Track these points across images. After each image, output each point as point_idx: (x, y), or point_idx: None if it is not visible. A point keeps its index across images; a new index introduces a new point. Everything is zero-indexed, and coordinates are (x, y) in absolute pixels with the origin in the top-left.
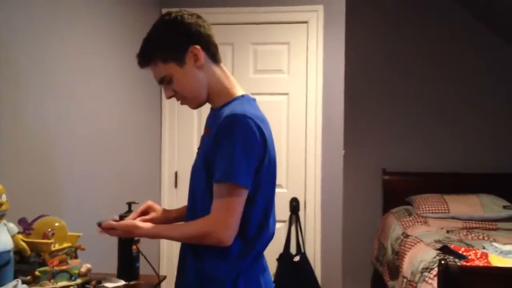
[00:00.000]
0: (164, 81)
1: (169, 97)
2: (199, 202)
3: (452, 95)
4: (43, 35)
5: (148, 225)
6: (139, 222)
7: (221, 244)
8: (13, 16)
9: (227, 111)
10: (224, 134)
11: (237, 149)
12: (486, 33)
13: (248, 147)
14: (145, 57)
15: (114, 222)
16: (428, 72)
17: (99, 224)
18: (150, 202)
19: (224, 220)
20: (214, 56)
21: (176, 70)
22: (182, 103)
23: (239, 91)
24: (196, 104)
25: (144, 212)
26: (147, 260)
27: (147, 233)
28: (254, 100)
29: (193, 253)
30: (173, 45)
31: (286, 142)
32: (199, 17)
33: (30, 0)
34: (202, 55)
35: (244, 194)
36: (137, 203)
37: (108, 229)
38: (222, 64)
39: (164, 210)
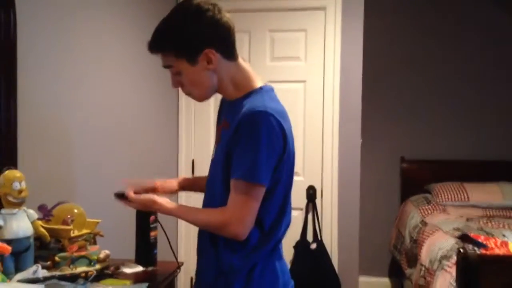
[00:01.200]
0: (172, 71)
1: (175, 87)
2: (217, 196)
3: (471, 82)
4: (61, 23)
5: (165, 201)
6: (157, 197)
7: (236, 238)
8: (32, 5)
9: (247, 105)
10: (246, 132)
11: (260, 150)
12: (504, 22)
13: (270, 147)
14: (157, 47)
15: (132, 195)
16: (447, 62)
17: (117, 195)
18: (158, 183)
19: (241, 216)
20: (231, 54)
21: (186, 67)
22: (187, 95)
23: (257, 82)
24: (201, 99)
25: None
26: (166, 236)
27: (164, 209)
28: (273, 89)
29: (210, 242)
30: (189, 44)
31: (303, 130)
32: (219, 11)
33: None
34: (216, 58)
35: (262, 191)
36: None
37: (126, 200)
38: (239, 59)
39: (185, 179)
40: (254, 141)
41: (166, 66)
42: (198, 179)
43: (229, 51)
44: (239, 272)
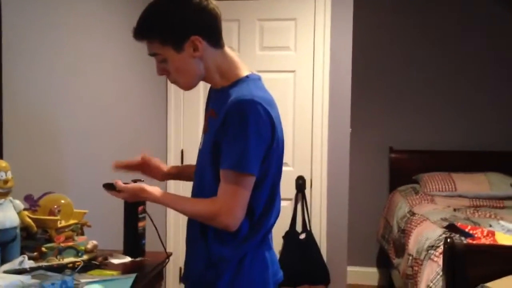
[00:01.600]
0: (157, 58)
1: (160, 75)
2: (207, 185)
3: (459, 73)
4: (49, 14)
5: (155, 189)
6: (146, 186)
7: (227, 229)
8: (20, 2)
9: (233, 94)
10: (234, 122)
11: (249, 139)
12: (494, 10)
13: (259, 136)
14: (143, 35)
15: (121, 184)
16: (435, 50)
17: (105, 185)
18: (143, 155)
19: (231, 206)
20: (217, 42)
21: (172, 54)
22: (172, 83)
23: (244, 71)
24: (187, 88)
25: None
26: (154, 226)
27: (153, 197)
28: (260, 79)
29: (200, 232)
30: (175, 32)
31: (293, 120)
32: None
33: None
34: (202, 46)
35: (252, 181)
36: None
37: (115, 191)
38: (226, 48)
39: (174, 167)
40: (243, 130)
41: (151, 54)
42: (186, 167)
43: (215, 39)
44: (229, 262)
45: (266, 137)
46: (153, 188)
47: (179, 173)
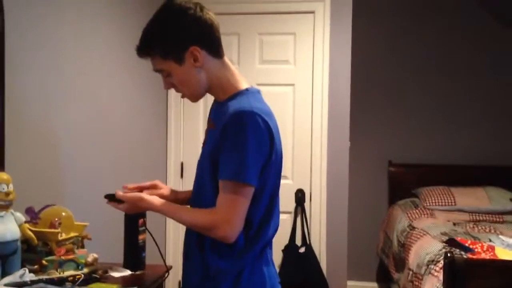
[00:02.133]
0: (163, 74)
1: (166, 88)
2: (205, 197)
3: (458, 87)
4: (49, 25)
5: (154, 198)
6: (145, 195)
7: (224, 240)
8: (20, 8)
9: (233, 106)
10: (233, 132)
11: (248, 149)
12: (492, 27)
13: (258, 147)
14: (145, 51)
15: (120, 193)
16: (434, 65)
17: (107, 196)
18: (157, 181)
19: (229, 217)
20: (216, 51)
21: (174, 67)
22: (182, 96)
23: (243, 84)
24: (194, 99)
25: (149, 189)
26: (154, 240)
27: (152, 207)
28: (259, 92)
29: (197, 245)
30: (173, 44)
31: (292, 133)
32: (202, 9)
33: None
34: (202, 55)
35: (251, 192)
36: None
37: (115, 202)
38: (225, 58)
39: (173, 191)
40: (241, 141)
41: (156, 70)
42: (184, 194)
43: (214, 48)
44: (227, 275)
45: (265, 148)
46: (152, 197)
47: (177, 200)
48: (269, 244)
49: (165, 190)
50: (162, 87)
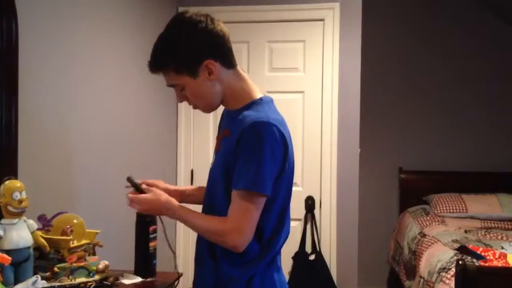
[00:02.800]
0: (176, 88)
1: (180, 102)
2: (217, 204)
3: (469, 94)
4: (62, 30)
5: (173, 200)
6: (166, 195)
7: (234, 249)
8: (33, 12)
9: (249, 117)
10: (249, 143)
11: (265, 160)
12: (502, 32)
13: (273, 157)
14: (157, 67)
15: (145, 186)
16: (444, 71)
17: (130, 179)
18: (161, 181)
19: (241, 227)
20: (229, 62)
21: (189, 81)
22: (194, 108)
23: (257, 93)
24: (209, 111)
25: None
26: (168, 243)
27: (170, 205)
28: (272, 101)
29: (209, 251)
30: (187, 59)
31: (302, 140)
32: (212, 21)
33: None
34: (216, 68)
35: (263, 202)
36: None
37: (132, 202)
38: (238, 67)
39: (176, 190)
40: (258, 151)
41: (170, 85)
42: (195, 190)
43: (227, 59)
44: (237, 282)
45: (279, 158)
46: (171, 199)
47: (188, 198)
48: (279, 251)
49: (175, 196)
50: (173, 95)
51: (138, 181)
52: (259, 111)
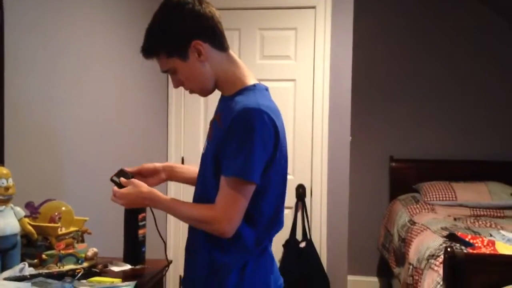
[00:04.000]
0: (169, 72)
1: (176, 87)
2: (209, 190)
3: (459, 83)
4: (49, 22)
5: (155, 194)
6: (145, 188)
7: (222, 236)
8: (20, 5)
9: (240, 103)
10: (239, 130)
11: (254, 147)
12: (492, 22)
13: (263, 145)
14: (149, 51)
15: (124, 179)
16: (435, 60)
17: (113, 180)
18: (157, 164)
19: (229, 214)
20: (220, 44)
21: (180, 64)
22: (190, 93)
23: (250, 79)
24: (204, 94)
25: (145, 174)
26: (158, 231)
27: (154, 197)
28: (267, 89)
29: (202, 240)
30: (175, 41)
31: (293, 128)
32: (200, 2)
33: None
34: (205, 49)
35: (252, 190)
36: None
37: (114, 196)
38: (230, 51)
39: (165, 166)
40: (248, 139)
41: (164, 71)
42: (185, 168)
43: (217, 41)
44: (231, 269)
45: (270, 146)
46: (152, 193)
47: (177, 173)
48: (271, 241)
49: (164, 174)
50: (163, 81)
51: (127, 169)
52: (250, 97)
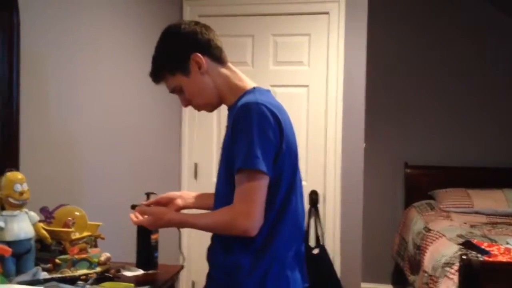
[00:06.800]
0: (176, 91)
1: (185, 106)
2: (222, 197)
3: (476, 90)
4: (65, 25)
5: (171, 214)
6: (167, 210)
7: (246, 234)
8: (35, 8)
9: (240, 102)
10: (239, 124)
11: (253, 136)
12: (505, 30)
13: (263, 133)
14: (156, 75)
15: (146, 208)
16: (450, 67)
17: (133, 207)
18: (171, 193)
19: (247, 210)
20: (218, 58)
21: (183, 80)
22: (199, 110)
23: (250, 84)
24: (211, 108)
25: (163, 204)
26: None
27: (176, 220)
28: (268, 91)
29: (220, 244)
30: (175, 57)
31: (306, 134)
32: (197, 23)
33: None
34: (204, 61)
35: (264, 179)
36: (156, 193)
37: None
38: (229, 64)
39: (195, 198)
40: (248, 129)
41: (172, 91)
42: (199, 194)
43: (215, 53)
44: (249, 276)
45: (273, 136)
46: (167, 213)
47: (199, 203)
48: (291, 246)
49: (181, 201)
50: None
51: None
52: (250, 96)
